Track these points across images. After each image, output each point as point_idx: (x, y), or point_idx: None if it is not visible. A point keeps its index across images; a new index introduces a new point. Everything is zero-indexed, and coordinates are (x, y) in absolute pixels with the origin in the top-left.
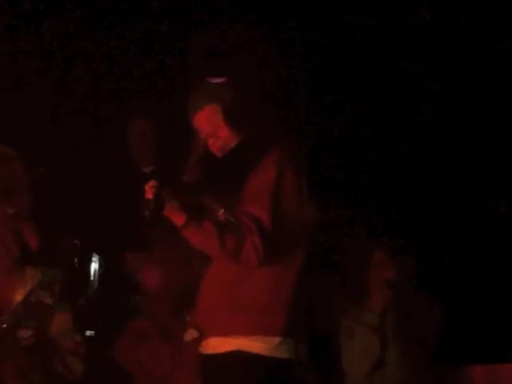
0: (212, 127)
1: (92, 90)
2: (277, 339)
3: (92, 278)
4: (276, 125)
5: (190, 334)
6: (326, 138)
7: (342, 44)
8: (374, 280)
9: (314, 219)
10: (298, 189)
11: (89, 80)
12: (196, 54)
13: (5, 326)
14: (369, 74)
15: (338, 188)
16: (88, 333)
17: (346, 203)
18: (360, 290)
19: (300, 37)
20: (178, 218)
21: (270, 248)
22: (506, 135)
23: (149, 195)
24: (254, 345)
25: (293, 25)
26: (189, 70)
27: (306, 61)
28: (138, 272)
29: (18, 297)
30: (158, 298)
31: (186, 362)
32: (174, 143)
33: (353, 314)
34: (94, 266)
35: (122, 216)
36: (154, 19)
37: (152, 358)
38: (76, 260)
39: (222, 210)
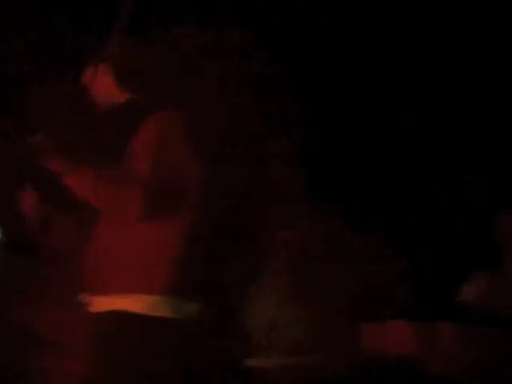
0: (101, 84)
1: None
2: (157, 298)
3: None
4: (173, 90)
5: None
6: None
7: None
8: (274, 243)
9: (203, 182)
10: (185, 150)
11: None
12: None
13: None
14: None
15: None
16: None
17: None
18: (260, 253)
19: None
20: (60, 165)
21: (152, 203)
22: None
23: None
24: (133, 304)
25: None
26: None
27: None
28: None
29: None
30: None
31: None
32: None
33: (254, 277)
34: None
35: None
36: None
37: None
38: None
39: (106, 164)
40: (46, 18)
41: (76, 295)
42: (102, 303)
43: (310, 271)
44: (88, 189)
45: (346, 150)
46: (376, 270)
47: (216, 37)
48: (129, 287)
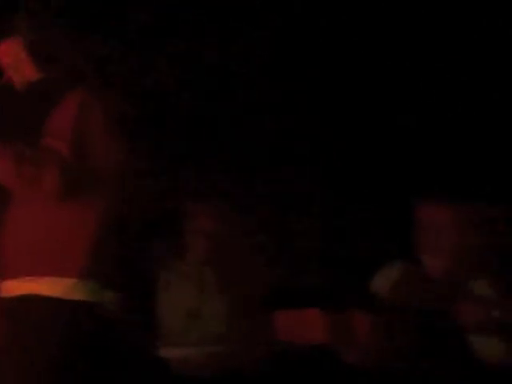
0: (13, 59)
1: None
2: (72, 281)
3: None
4: (89, 66)
5: None
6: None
7: None
8: (191, 231)
9: (121, 163)
10: (105, 131)
11: None
12: None
13: None
14: None
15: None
16: None
17: None
18: (179, 241)
19: None
20: None
21: (70, 183)
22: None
23: None
24: (46, 287)
25: None
26: None
27: None
28: None
29: None
30: None
31: None
32: None
33: (171, 266)
34: None
35: None
36: None
37: None
38: None
39: (21, 144)
40: None
41: None
42: (15, 287)
43: (229, 261)
44: (2, 169)
45: (270, 140)
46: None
47: None
48: (42, 270)
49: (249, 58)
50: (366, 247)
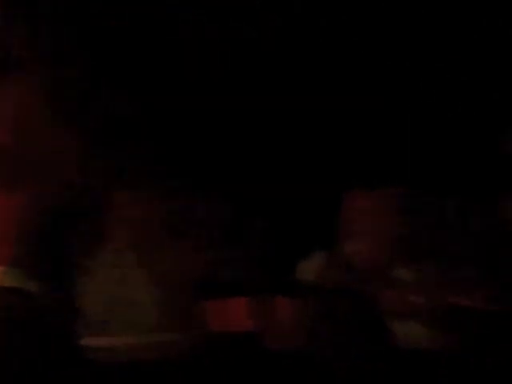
0: None
1: None
2: (2, 268)
3: None
4: (28, 52)
5: None
6: None
7: None
8: (114, 219)
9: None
10: (44, 118)
11: None
12: None
13: None
14: None
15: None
16: None
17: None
18: (100, 229)
19: None
20: None
21: (10, 173)
22: None
23: None
24: None
25: None
26: None
27: None
28: None
29: None
30: None
31: None
32: None
33: (93, 253)
34: None
35: None
36: None
37: None
38: None
39: None
40: None
41: None
42: None
43: (153, 248)
44: None
45: (190, 126)
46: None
47: None
48: None
49: None
50: (292, 235)
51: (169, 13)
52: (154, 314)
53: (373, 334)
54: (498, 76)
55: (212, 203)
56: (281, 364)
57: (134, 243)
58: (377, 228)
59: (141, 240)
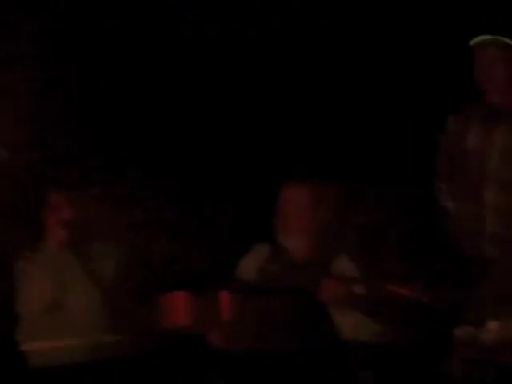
0: None
1: None
2: None
3: None
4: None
5: None
6: None
7: None
8: (50, 220)
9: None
10: None
11: None
12: None
13: None
14: None
15: None
16: None
17: None
18: (36, 230)
19: None
20: None
21: None
22: None
23: None
24: None
25: None
26: None
27: None
28: None
29: None
30: None
31: None
32: None
33: (28, 255)
34: None
35: None
36: None
37: None
38: None
39: None
40: None
41: None
42: None
43: (91, 246)
44: None
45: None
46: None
47: None
48: None
49: None
50: (232, 230)
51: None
52: (95, 315)
53: (316, 328)
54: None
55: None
56: (222, 360)
57: (69, 245)
58: (315, 222)
59: (77, 241)
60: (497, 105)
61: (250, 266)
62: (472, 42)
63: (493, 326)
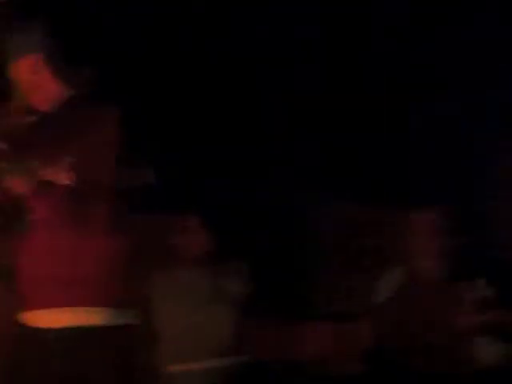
0: (36, 77)
1: None
2: (111, 309)
3: None
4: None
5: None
6: None
7: None
8: (185, 242)
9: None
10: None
11: None
12: None
13: None
14: None
15: None
16: None
17: None
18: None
19: None
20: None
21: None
22: None
23: None
24: (95, 317)
25: None
26: None
27: None
28: None
29: None
30: None
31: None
32: None
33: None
34: None
35: None
36: None
37: None
38: None
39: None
40: None
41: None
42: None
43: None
44: (51, 204)
45: None
46: None
47: None
48: (86, 301)
49: None
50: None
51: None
52: (227, 336)
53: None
54: None
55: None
56: None
57: (205, 264)
58: (438, 243)
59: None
60: None
61: (385, 290)
62: None
63: None
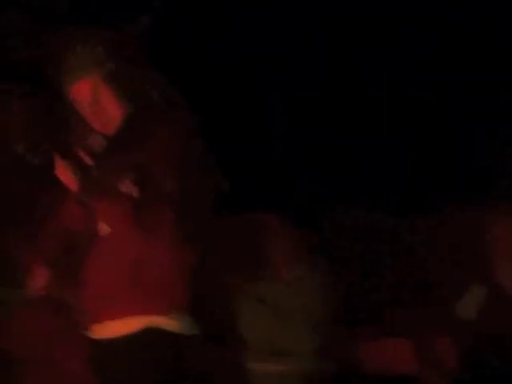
0: (95, 98)
1: None
2: (177, 314)
3: None
4: (167, 94)
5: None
6: None
7: None
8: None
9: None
10: (198, 161)
11: None
12: None
13: None
14: None
15: None
16: None
17: None
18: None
19: None
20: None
21: (183, 223)
22: None
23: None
24: (165, 321)
25: None
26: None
27: None
28: None
29: None
30: None
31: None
32: None
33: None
34: None
35: None
36: None
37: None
38: None
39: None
40: None
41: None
42: (123, 326)
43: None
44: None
45: None
46: None
47: None
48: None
49: None
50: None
51: None
52: (308, 340)
53: None
54: None
55: None
56: None
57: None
58: None
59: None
60: None
61: (468, 307)
62: None
63: None
